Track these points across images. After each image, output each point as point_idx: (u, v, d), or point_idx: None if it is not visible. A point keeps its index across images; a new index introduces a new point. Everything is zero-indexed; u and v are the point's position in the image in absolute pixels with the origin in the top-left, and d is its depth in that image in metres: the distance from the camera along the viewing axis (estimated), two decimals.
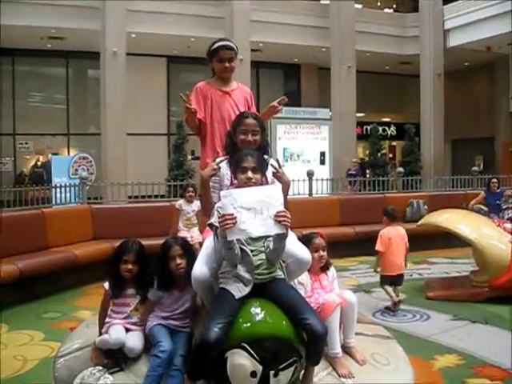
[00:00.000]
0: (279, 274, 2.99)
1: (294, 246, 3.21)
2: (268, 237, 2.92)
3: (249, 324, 2.71)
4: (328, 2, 19.73)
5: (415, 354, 4.25)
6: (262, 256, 2.94)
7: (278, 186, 3.00)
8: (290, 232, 3.03)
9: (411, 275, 7.72)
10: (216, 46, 3.89)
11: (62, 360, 3.44)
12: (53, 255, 6.75)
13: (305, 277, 3.45)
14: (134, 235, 6.21)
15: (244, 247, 2.91)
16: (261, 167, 3.11)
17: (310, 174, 10.45)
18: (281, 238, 2.87)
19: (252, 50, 18.40)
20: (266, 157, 3.35)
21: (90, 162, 13.87)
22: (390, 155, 24.92)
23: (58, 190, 9.76)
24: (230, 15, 17.82)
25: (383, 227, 6.25)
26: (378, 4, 23.49)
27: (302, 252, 3.24)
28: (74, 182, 10.73)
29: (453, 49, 20.01)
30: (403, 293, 6.65)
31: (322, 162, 14.48)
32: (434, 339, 4.93)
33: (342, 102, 18.69)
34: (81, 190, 8.98)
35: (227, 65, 3.88)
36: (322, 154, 14.50)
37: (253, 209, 2.82)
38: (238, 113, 3.72)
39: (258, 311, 2.77)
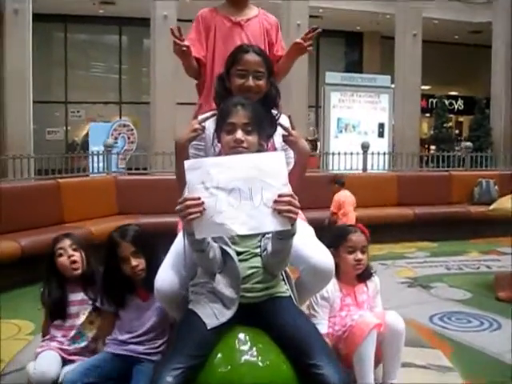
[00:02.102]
0: (282, 290, 2.02)
1: (306, 245, 2.19)
2: (266, 233, 1.97)
3: (227, 368, 1.78)
4: None
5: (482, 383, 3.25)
6: (256, 262, 1.97)
7: (280, 153, 1.99)
8: (302, 223, 2.08)
9: (478, 268, 6.63)
10: None
11: None
12: (62, 231, 5.95)
13: (332, 287, 2.46)
14: (163, 210, 5.49)
15: (226, 248, 1.95)
16: (259, 125, 2.10)
17: (365, 147, 9.37)
18: (285, 237, 1.88)
19: (311, 17, 17.29)
20: (274, 112, 2.37)
21: (131, 130, 13.11)
22: (456, 131, 23.45)
23: (95, 158, 9.04)
24: None
25: (335, 192, 7.02)
26: None
27: (320, 256, 2.20)
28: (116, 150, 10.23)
29: None
30: (467, 289, 5.60)
31: (381, 135, 13.26)
32: (506, 358, 3.83)
33: (406, 73, 17.41)
34: (105, 159, 8.17)
35: None
36: (381, 126, 13.27)
37: (237, 190, 1.84)
38: None
39: (243, 348, 1.83)
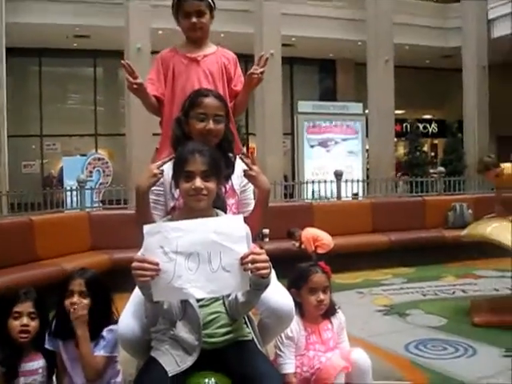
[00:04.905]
0: (244, 333, 2.03)
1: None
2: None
3: None
4: None
5: None
6: (217, 306, 2.00)
7: (239, 217, 2.02)
8: None
9: (453, 292, 6.65)
10: None
11: None
12: (34, 270, 5.80)
13: (296, 327, 2.48)
14: (138, 245, 5.44)
15: None
16: (217, 170, 2.13)
17: (339, 175, 9.45)
18: (262, 288, 1.94)
19: (284, 45, 17.48)
20: (230, 155, 2.42)
21: (106, 163, 13.07)
22: (432, 154, 23.67)
23: (70, 193, 9.02)
24: (260, 8, 16.88)
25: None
26: None
27: (279, 298, 2.26)
28: (90, 184, 10.31)
29: (498, 39, 18.62)
30: (443, 316, 5.62)
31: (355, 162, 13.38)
32: None
33: (379, 98, 17.51)
34: (79, 195, 8.13)
35: (194, 20, 2.88)
36: (355, 154, 13.40)
37: (195, 254, 1.89)
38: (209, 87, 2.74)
39: None
